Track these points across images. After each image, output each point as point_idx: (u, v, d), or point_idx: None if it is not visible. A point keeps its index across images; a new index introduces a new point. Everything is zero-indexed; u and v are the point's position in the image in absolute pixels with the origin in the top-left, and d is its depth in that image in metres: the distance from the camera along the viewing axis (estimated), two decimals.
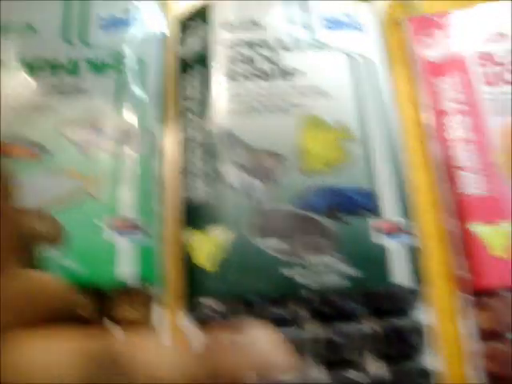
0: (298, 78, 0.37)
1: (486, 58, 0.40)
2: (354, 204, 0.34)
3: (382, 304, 0.34)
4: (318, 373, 0.33)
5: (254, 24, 0.39)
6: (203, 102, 0.36)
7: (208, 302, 0.32)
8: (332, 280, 0.32)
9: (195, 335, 0.32)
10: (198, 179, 0.34)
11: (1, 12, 0.38)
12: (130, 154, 0.36)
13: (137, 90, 0.37)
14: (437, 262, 0.37)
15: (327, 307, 0.33)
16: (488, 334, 0.34)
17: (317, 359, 0.33)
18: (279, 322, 0.33)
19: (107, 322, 0.33)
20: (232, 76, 0.37)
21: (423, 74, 0.40)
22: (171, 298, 0.34)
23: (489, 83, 0.39)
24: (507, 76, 0.39)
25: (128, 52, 0.38)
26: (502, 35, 0.41)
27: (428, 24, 0.42)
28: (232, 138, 0.35)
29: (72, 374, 0.19)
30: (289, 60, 0.38)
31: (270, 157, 0.35)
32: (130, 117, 0.37)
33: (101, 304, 0.33)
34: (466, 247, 0.35)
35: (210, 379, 0.19)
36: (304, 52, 0.38)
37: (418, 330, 0.33)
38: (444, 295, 0.36)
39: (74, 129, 0.36)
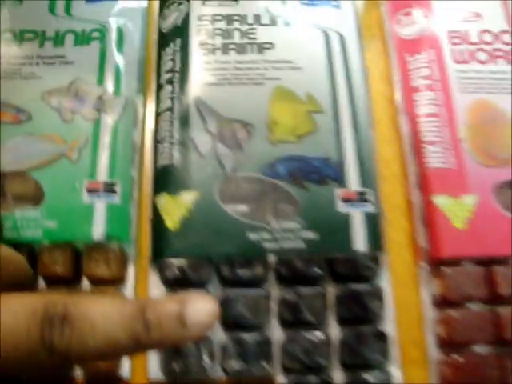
0: (273, 51, 0.38)
1: (460, 36, 0.41)
2: (319, 173, 0.36)
3: (343, 269, 0.35)
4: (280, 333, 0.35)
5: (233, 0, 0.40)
6: (180, 74, 0.38)
7: (173, 262, 0.34)
8: (295, 245, 0.34)
9: (160, 292, 0.34)
10: (172, 147, 0.36)
11: None
12: (110, 121, 0.37)
13: (118, 62, 0.39)
14: (401, 231, 0.38)
15: (290, 271, 0.35)
16: (444, 302, 0.35)
17: (279, 320, 0.35)
18: (243, 283, 0.35)
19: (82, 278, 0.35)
20: (209, 49, 0.39)
21: (397, 52, 0.41)
22: (142, 256, 0.36)
23: (461, 61, 0.40)
24: (480, 55, 0.40)
25: (111, 24, 0.40)
26: (477, 15, 0.42)
27: (406, 3, 0.43)
28: (205, 108, 0.37)
29: (23, 332, 0.21)
30: (264, 34, 0.39)
31: (240, 126, 0.36)
32: (111, 87, 0.38)
33: (77, 261, 0.35)
34: (428, 218, 0.37)
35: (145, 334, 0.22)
36: (279, 27, 0.39)
37: (376, 295, 0.35)
38: (406, 264, 0.38)
39: (56, 96, 0.38)
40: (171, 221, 0.34)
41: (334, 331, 0.35)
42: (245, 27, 0.39)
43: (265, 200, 0.35)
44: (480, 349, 0.35)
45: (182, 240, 0.34)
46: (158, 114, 0.38)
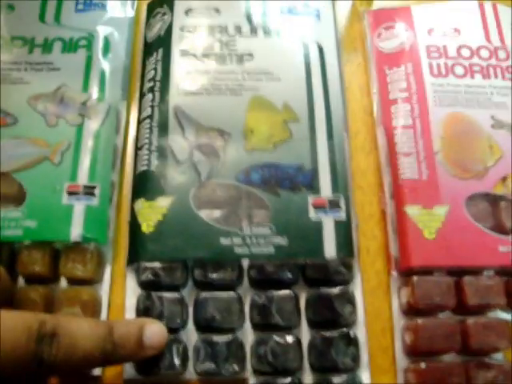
0: (252, 62, 0.40)
1: (439, 51, 0.42)
2: (292, 180, 0.36)
3: (314, 274, 0.36)
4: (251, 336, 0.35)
5: (216, 11, 0.41)
6: (161, 83, 0.39)
7: (148, 265, 0.35)
8: (265, 250, 0.35)
9: (136, 294, 0.35)
10: (151, 153, 0.37)
11: None
12: (93, 127, 0.39)
13: (104, 69, 0.40)
14: (374, 240, 0.39)
15: (262, 275, 0.36)
16: (412, 310, 0.36)
17: (251, 323, 0.35)
18: (216, 286, 0.35)
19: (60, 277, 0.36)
20: (189, 59, 0.40)
21: (377, 65, 0.42)
22: (119, 258, 0.37)
23: (438, 75, 0.41)
24: (457, 69, 0.41)
25: (98, 33, 0.41)
26: (457, 30, 0.43)
27: (388, 17, 0.44)
28: (184, 116, 0.38)
29: (20, 345, 0.25)
30: (244, 45, 0.40)
31: (217, 134, 0.37)
32: (96, 93, 0.40)
33: (55, 260, 0.36)
34: (400, 228, 0.37)
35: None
36: (259, 37, 0.41)
37: (348, 300, 0.36)
38: (377, 272, 0.38)
39: (42, 101, 0.39)
40: (146, 225, 0.35)
41: (305, 334, 0.35)
42: (225, 38, 0.41)
43: (238, 206, 0.36)
44: (446, 357, 0.35)
45: (156, 244, 0.35)
46: (139, 122, 0.39)
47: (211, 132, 0.37)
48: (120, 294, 0.36)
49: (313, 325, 0.36)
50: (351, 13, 0.45)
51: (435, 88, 0.40)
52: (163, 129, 0.38)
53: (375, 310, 0.37)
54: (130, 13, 0.44)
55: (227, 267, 0.35)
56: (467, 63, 0.41)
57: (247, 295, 0.36)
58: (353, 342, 0.35)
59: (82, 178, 0.37)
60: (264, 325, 0.35)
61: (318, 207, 0.36)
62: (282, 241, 0.35)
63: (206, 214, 0.36)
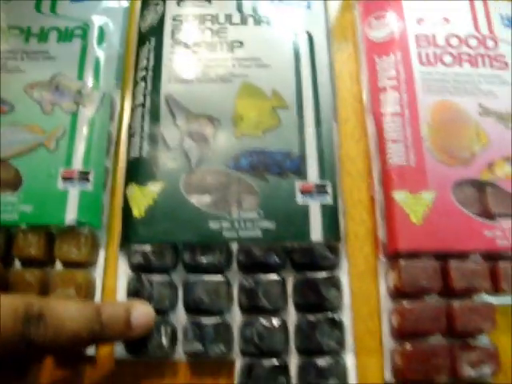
0: (242, 49, 0.40)
1: (428, 39, 0.42)
2: (281, 166, 0.37)
3: (301, 258, 0.37)
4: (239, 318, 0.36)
5: (207, 0, 0.42)
6: (153, 72, 0.40)
7: (139, 248, 0.36)
8: (253, 234, 0.36)
9: (127, 277, 0.36)
10: (143, 140, 0.38)
11: None
12: (88, 114, 0.40)
13: (99, 59, 0.41)
14: (362, 225, 0.40)
15: (250, 259, 0.36)
16: (399, 293, 0.37)
17: (239, 306, 0.36)
18: (205, 270, 0.36)
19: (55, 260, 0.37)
20: (181, 48, 0.41)
21: (367, 53, 0.43)
22: (113, 242, 0.38)
23: (427, 64, 0.41)
24: (445, 58, 0.42)
25: (93, 22, 0.42)
26: (446, 20, 0.43)
27: (378, 6, 0.44)
28: (175, 104, 0.39)
29: (8, 327, 0.27)
30: (235, 33, 0.41)
31: (207, 121, 0.38)
32: (90, 82, 0.41)
33: (50, 244, 0.37)
34: (387, 213, 0.38)
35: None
36: (249, 26, 0.41)
37: (333, 285, 0.36)
38: (366, 256, 0.39)
39: (38, 89, 0.40)
40: (138, 209, 0.36)
41: (291, 318, 0.36)
42: (216, 26, 0.41)
43: (227, 191, 0.37)
44: (432, 339, 0.36)
45: (146, 227, 0.36)
46: (132, 109, 0.40)
47: (201, 119, 0.38)
48: (113, 276, 0.37)
49: (299, 308, 0.36)
50: (342, 2, 0.46)
51: (424, 76, 0.41)
52: (155, 116, 0.38)
53: (363, 293, 0.38)
54: (125, 3, 0.45)
55: (216, 251, 0.36)
56: (456, 52, 0.42)
57: (235, 279, 0.37)
58: (338, 325, 0.35)
59: (77, 164, 0.38)
60: (251, 307, 0.36)
61: (305, 192, 0.37)
62: (269, 225, 0.36)
63: (195, 199, 0.36)
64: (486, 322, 0.36)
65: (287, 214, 0.36)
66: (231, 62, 0.40)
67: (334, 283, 0.36)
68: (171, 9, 0.42)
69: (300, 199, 0.36)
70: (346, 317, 0.36)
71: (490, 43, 0.42)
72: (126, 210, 0.37)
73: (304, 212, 0.36)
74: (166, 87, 0.39)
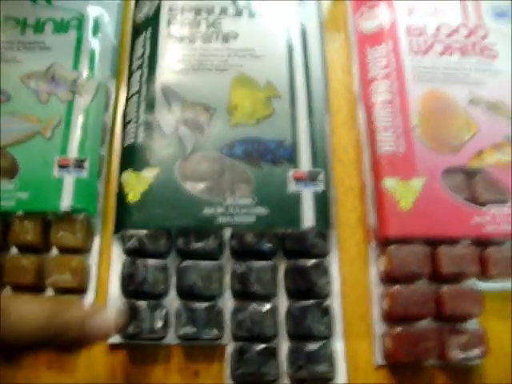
0: (236, 40, 0.41)
1: (418, 29, 0.43)
2: (274, 154, 0.38)
3: (292, 245, 0.37)
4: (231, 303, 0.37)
5: None
6: (149, 61, 0.41)
7: (133, 233, 0.37)
8: (247, 219, 0.36)
9: (122, 262, 0.37)
10: (138, 127, 0.39)
11: None
12: (83, 103, 0.40)
13: (94, 49, 0.42)
14: (353, 212, 0.40)
15: (242, 245, 0.37)
16: (389, 278, 0.37)
17: (232, 291, 0.37)
18: (198, 255, 0.37)
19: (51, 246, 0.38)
20: (177, 38, 0.41)
21: (358, 44, 0.44)
22: (108, 228, 0.39)
23: (417, 53, 0.42)
24: (436, 47, 0.42)
25: (89, 13, 0.43)
26: (437, 10, 0.44)
27: None
28: (170, 93, 0.39)
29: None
30: (230, 25, 0.42)
31: (202, 110, 0.39)
32: (86, 71, 0.41)
33: (46, 230, 0.38)
34: (377, 200, 0.39)
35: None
36: (244, 18, 0.42)
37: (323, 272, 0.37)
38: (357, 242, 0.40)
39: (34, 79, 0.41)
40: (132, 195, 0.37)
41: (283, 303, 0.37)
42: (212, 18, 0.42)
43: (222, 178, 0.37)
44: (422, 323, 0.37)
45: (141, 212, 0.36)
46: (127, 98, 0.41)
47: (197, 107, 0.39)
48: (108, 262, 0.38)
49: (290, 294, 0.37)
50: None
51: (414, 65, 0.42)
52: (150, 104, 0.39)
53: (355, 279, 0.39)
54: None
55: (209, 237, 0.37)
56: (446, 41, 0.43)
57: (228, 265, 0.37)
58: (327, 311, 0.36)
59: (73, 152, 0.39)
60: (243, 293, 0.36)
61: (298, 180, 0.37)
62: (262, 211, 0.36)
63: (190, 185, 0.37)
64: (474, 307, 0.36)
65: (280, 200, 0.37)
66: (226, 53, 0.41)
67: (324, 270, 0.37)
68: (167, 0, 0.43)
69: (293, 186, 0.37)
70: (336, 302, 0.37)
71: (480, 33, 0.43)
72: (121, 195, 0.37)
73: (296, 199, 0.37)
74: (162, 76, 0.40)
